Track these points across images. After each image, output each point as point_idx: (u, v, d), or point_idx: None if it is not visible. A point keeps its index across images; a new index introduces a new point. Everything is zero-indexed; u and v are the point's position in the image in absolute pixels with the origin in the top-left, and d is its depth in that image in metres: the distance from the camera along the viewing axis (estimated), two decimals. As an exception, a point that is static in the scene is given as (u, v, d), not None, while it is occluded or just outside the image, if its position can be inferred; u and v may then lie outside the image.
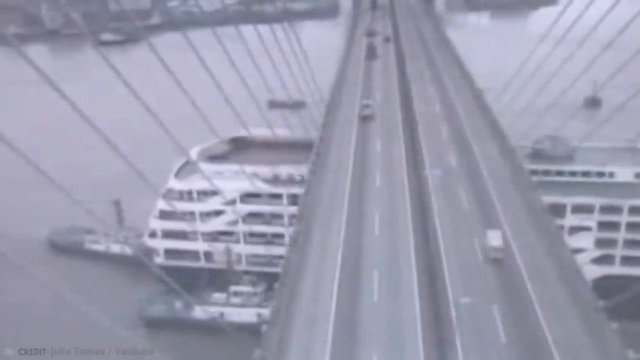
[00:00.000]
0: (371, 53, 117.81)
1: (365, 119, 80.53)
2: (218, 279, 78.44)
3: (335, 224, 54.56)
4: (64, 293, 32.89)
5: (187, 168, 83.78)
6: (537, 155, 79.40)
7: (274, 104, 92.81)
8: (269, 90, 73.32)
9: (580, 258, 71.89)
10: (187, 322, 75.65)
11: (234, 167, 77.51)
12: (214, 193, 79.15)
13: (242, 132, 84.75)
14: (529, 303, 42.41)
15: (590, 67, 68.62)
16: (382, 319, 41.83)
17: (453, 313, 41.70)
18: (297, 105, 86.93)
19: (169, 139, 46.84)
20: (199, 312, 74.85)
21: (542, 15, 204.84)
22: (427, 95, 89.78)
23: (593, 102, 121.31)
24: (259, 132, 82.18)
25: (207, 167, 78.97)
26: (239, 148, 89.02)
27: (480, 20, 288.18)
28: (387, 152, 69.91)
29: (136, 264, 78.53)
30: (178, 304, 78.48)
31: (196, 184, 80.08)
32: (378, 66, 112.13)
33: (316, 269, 48.45)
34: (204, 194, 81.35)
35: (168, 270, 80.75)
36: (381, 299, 43.93)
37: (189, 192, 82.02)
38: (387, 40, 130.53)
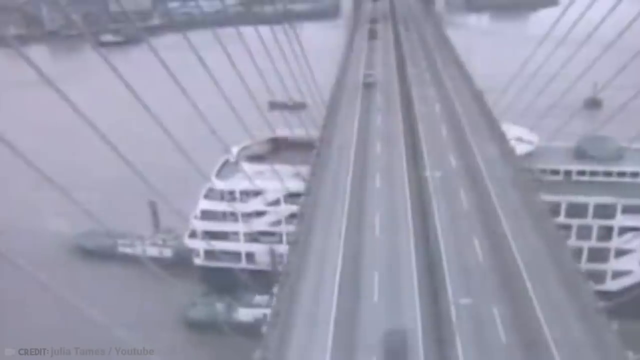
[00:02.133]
0: (373, 34, 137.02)
1: (368, 85, 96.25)
2: (260, 280, 77.53)
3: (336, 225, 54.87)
4: (64, 293, 32.93)
5: (227, 168, 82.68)
6: (581, 155, 78.08)
7: (274, 106, 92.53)
8: (270, 92, 73.25)
9: (630, 259, 72.15)
10: (229, 325, 73.24)
11: (276, 167, 76.07)
12: (257, 193, 78.58)
13: (280, 132, 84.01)
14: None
15: (590, 68, 68.77)
16: (382, 319, 41.98)
17: (453, 313, 41.86)
18: (297, 107, 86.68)
19: (170, 140, 47.01)
20: (242, 314, 74.98)
21: (542, 17, 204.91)
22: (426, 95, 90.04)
23: (593, 103, 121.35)
24: (298, 132, 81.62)
25: (248, 167, 78.49)
26: (278, 148, 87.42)
27: (480, 21, 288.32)
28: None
29: (175, 267, 79.75)
30: (220, 307, 77.85)
31: (238, 184, 78.97)
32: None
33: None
34: (247, 194, 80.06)
35: (208, 271, 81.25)
36: (381, 299, 44.17)
37: (231, 192, 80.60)
38: (385, 17, 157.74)
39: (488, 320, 41.34)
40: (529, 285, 44.44)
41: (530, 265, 46.90)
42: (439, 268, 47.10)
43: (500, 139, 71.86)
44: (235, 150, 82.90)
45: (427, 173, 63.17)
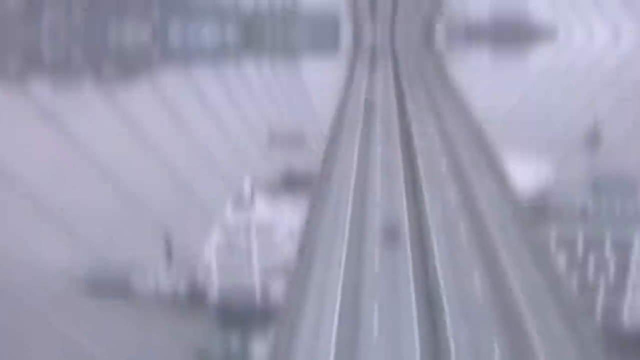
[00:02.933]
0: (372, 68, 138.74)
1: (368, 104, 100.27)
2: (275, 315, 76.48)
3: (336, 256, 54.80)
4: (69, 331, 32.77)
5: (242, 201, 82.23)
6: (598, 190, 77.37)
7: (273, 137, 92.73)
8: (269, 123, 73.47)
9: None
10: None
11: (290, 200, 76.46)
12: (272, 226, 78.59)
13: (291, 166, 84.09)
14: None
15: (592, 100, 69.33)
16: (382, 345, 42.01)
17: (452, 345, 41.69)
18: (296, 138, 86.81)
19: (175, 174, 47.15)
20: (256, 349, 74.10)
21: (542, 52, 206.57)
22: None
23: (593, 137, 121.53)
24: (301, 165, 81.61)
25: (262, 200, 78.44)
26: (291, 181, 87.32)
27: (481, 52, 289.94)
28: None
29: (189, 302, 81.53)
30: (234, 341, 77.21)
31: (252, 217, 78.78)
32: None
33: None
34: (261, 228, 79.93)
35: (223, 305, 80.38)
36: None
37: (246, 226, 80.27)
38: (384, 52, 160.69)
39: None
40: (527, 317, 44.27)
41: (531, 300, 46.71)
42: (439, 299, 47.01)
43: (501, 174, 71.93)
44: (248, 183, 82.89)
45: (427, 208, 63.26)
